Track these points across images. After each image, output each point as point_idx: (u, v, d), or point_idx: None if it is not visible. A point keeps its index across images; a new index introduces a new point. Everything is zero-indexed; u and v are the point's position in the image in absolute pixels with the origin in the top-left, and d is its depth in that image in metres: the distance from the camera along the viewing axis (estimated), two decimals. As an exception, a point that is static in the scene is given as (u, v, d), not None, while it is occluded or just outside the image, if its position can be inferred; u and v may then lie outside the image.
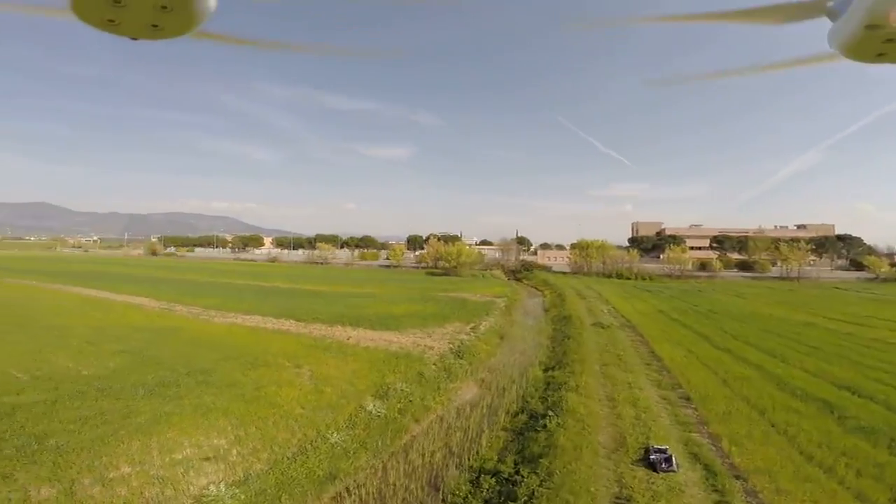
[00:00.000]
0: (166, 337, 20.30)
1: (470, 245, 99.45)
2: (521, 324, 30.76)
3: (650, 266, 77.09)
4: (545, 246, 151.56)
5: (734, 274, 77.60)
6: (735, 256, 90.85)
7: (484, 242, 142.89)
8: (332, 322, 25.12)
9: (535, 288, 58.63)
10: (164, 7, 2.52)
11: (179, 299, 35.60)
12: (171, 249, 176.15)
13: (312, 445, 10.07)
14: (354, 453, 10.09)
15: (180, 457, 9.07)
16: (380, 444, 10.79)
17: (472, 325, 26.14)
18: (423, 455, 10.71)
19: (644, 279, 67.80)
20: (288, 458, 9.49)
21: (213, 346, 18.30)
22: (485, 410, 14.10)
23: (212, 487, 8.07)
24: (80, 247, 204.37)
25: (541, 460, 9.82)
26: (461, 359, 18.77)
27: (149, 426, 10.00)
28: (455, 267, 71.32)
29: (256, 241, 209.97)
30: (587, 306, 37.02)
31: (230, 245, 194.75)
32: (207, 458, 9.10)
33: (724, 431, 11.50)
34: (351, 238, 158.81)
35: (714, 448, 10.79)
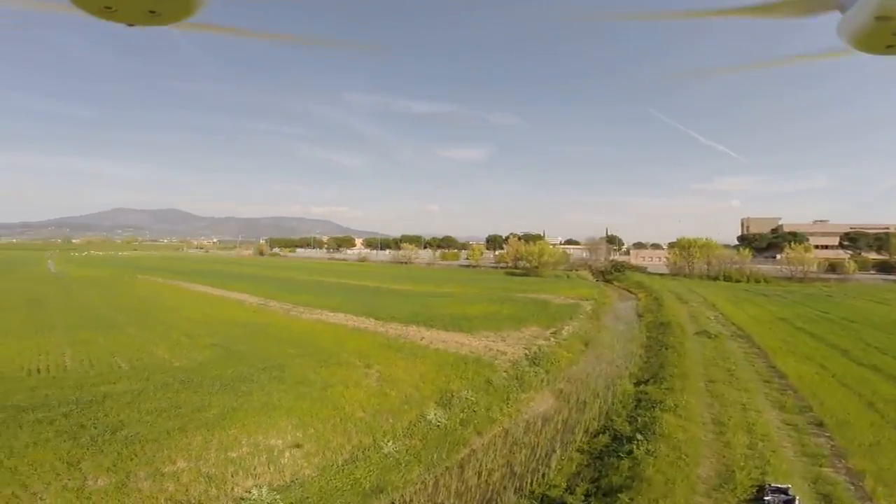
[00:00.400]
0: (256, 332, 21.61)
1: (554, 244, 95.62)
2: (610, 330, 28.18)
3: (765, 267, 67.19)
4: (639, 245, 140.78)
5: (872, 276, 64.77)
6: (873, 256, 76.11)
7: (569, 242, 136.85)
8: (407, 321, 25.06)
9: (628, 290, 54.22)
10: None
11: (275, 295, 38.42)
12: (276, 250, 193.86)
13: (365, 454, 9.58)
14: (406, 466, 9.41)
15: (235, 455, 9.10)
16: (435, 457, 9.99)
17: (553, 329, 24.41)
18: (480, 473, 9.67)
19: (758, 282, 59.23)
20: (338, 466, 9.09)
21: (295, 342, 18.99)
22: (559, 427, 12.62)
23: (254, 491, 7.91)
24: (201, 248, 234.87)
25: (620, 494, 8.26)
26: (537, 366, 17.36)
27: (215, 421, 10.25)
28: (537, 267, 68.63)
29: (348, 243, 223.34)
30: (689, 312, 32.95)
31: (326, 246, 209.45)
32: (259, 459, 9.02)
33: (869, 467, 8.98)
34: (433, 238, 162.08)
35: (853, 488, 8.42)
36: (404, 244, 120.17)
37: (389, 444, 9.96)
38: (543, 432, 12.18)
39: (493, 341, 21.06)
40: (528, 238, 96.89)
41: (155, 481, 8.11)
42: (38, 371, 14.26)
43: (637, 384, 16.35)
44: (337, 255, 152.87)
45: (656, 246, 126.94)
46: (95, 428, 9.82)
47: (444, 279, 58.89)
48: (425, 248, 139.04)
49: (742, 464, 9.28)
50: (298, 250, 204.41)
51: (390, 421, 11.14)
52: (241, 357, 16.29)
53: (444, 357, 17.15)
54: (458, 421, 11.72)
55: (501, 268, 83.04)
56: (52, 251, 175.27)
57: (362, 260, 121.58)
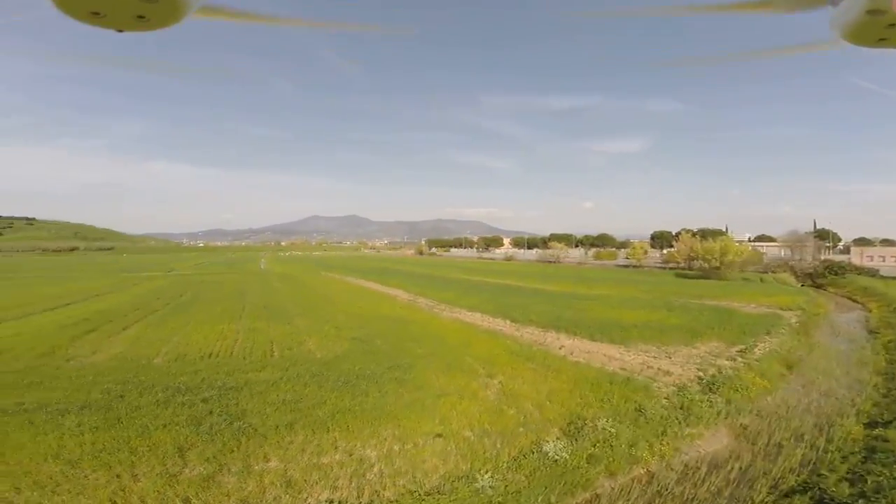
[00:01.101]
0: (397, 327, 21.77)
1: (739, 241, 79.38)
2: (827, 349, 20.80)
3: None
4: (862, 241, 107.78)
5: None
6: None
7: (760, 238, 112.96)
8: (546, 326, 22.43)
9: (850, 298, 41.04)
10: None
11: (423, 292, 39.66)
12: (433, 250, 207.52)
13: (453, 485, 7.76)
14: (499, 509, 7.31)
15: (326, 461, 8.38)
16: (541, 499, 7.60)
17: (741, 346, 18.87)
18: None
19: None
20: (418, 496, 7.50)
21: (427, 341, 18.33)
22: (733, 477, 8.96)
23: (326, 507, 6.87)
24: (374, 248, 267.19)
25: None
26: (713, 393, 13.10)
27: (322, 421, 9.81)
28: (718, 268, 57.00)
29: (497, 242, 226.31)
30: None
31: (476, 246, 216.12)
32: (345, 471, 8.06)
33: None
34: (586, 237, 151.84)
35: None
36: (552, 242, 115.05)
37: (486, 476, 7.99)
38: (707, 482, 8.73)
39: (654, 357, 17.06)
40: (706, 234, 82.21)
41: (240, 478, 7.81)
42: (210, 356, 16.20)
43: (870, 426, 11.04)
44: (485, 255, 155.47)
45: (889, 241, 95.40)
46: (220, 415, 10.18)
47: (597, 279, 53.44)
48: (576, 246, 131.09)
49: None
50: (452, 250, 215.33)
51: (498, 446, 9.12)
52: (375, 353, 16.17)
53: (583, 372, 14.23)
54: (584, 456, 9.03)
55: (670, 268, 72.34)
56: (265, 252, 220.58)
57: (508, 259, 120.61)
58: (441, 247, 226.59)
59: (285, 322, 23.49)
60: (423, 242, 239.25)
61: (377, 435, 9.32)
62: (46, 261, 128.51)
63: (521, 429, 9.98)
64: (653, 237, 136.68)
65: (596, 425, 10.28)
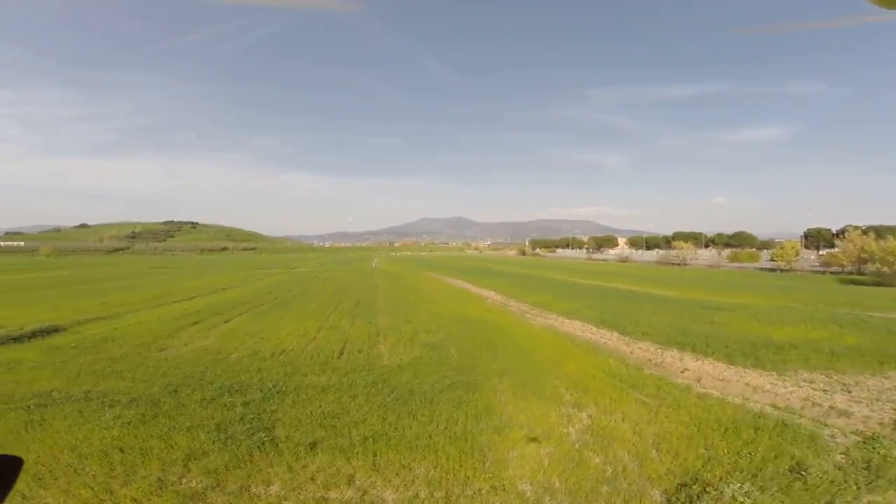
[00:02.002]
0: (477, 333, 19.50)
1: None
2: None
3: None
4: None
5: None
6: None
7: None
8: (666, 342, 18.11)
9: None
10: None
11: (516, 294, 36.76)
12: (537, 251, 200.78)
13: None
14: None
15: (332, 496, 6.53)
16: None
17: (970, 385, 12.80)
18: None
19: None
20: None
21: (508, 352, 15.71)
22: None
23: None
24: (477, 249, 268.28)
25: None
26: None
27: (350, 446, 7.98)
28: (905, 273, 44.21)
29: (610, 242, 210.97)
30: None
31: (586, 246, 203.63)
32: None
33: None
34: (718, 235, 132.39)
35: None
36: (676, 242, 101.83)
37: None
38: None
39: (824, 391, 12.16)
40: (881, 232, 64.85)
41: (231, 499, 6.46)
42: (281, 353, 15.65)
43: None
44: (596, 256, 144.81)
45: None
46: (249, 423, 9.04)
47: (734, 285, 44.85)
48: (706, 246, 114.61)
49: None
50: (558, 251, 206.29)
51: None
52: (443, 363, 14.09)
53: (713, 409, 10.30)
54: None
55: (832, 272, 58.72)
56: (380, 252, 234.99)
57: (623, 260, 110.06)
58: (546, 247, 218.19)
59: (368, 321, 22.69)
60: (526, 243, 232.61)
61: (405, 473, 7.16)
62: (202, 259, 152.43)
63: (605, 488, 6.90)
64: (806, 236, 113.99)
65: (723, 492, 6.75)
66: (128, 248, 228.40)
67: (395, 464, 7.38)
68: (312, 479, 7.00)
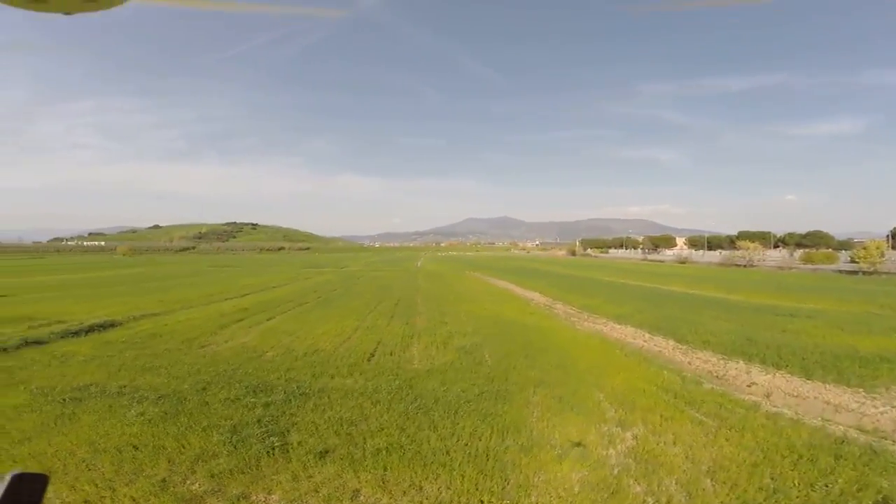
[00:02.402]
0: (516, 337, 18.47)
1: None
2: None
3: None
4: None
5: None
6: None
7: None
8: (730, 352, 16.20)
9: None
10: None
11: (563, 296, 35.09)
12: (588, 251, 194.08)
13: None
14: None
15: None
16: None
17: None
18: None
19: None
20: None
21: (548, 360, 14.59)
22: None
23: None
24: (524, 249, 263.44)
25: None
26: None
27: (362, 457, 7.33)
28: None
29: (667, 242, 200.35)
30: None
31: (641, 246, 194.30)
32: None
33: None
34: (788, 235, 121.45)
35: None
36: (742, 242, 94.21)
37: None
38: None
39: (930, 420, 10.13)
40: None
41: None
42: (314, 352, 15.48)
43: None
44: (652, 256, 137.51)
45: None
46: (267, 426, 8.69)
47: (809, 288, 40.45)
48: (776, 246, 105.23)
49: None
50: (611, 251, 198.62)
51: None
52: (475, 370, 13.25)
53: (784, 433, 8.72)
54: None
55: (929, 276, 51.58)
56: (425, 252, 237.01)
57: (682, 261, 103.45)
58: (598, 247, 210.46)
59: (405, 321, 22.27)
60: (576, 243, 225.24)
61: (413, 492, 6.44)
62: (260, 258, 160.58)
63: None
64: (893, 235, 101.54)
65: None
66: (194, 248, 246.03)
67: (405, 481, 6.68)
68: (316, 490, 6.46)
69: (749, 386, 12.53)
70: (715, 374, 13.71)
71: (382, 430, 8.48)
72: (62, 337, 17.14)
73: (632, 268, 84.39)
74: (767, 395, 11.69)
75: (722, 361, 15.11)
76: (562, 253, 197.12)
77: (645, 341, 18.52)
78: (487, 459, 7.33)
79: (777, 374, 13.52)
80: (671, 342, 18.18)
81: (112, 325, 19.98)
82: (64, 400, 10.07)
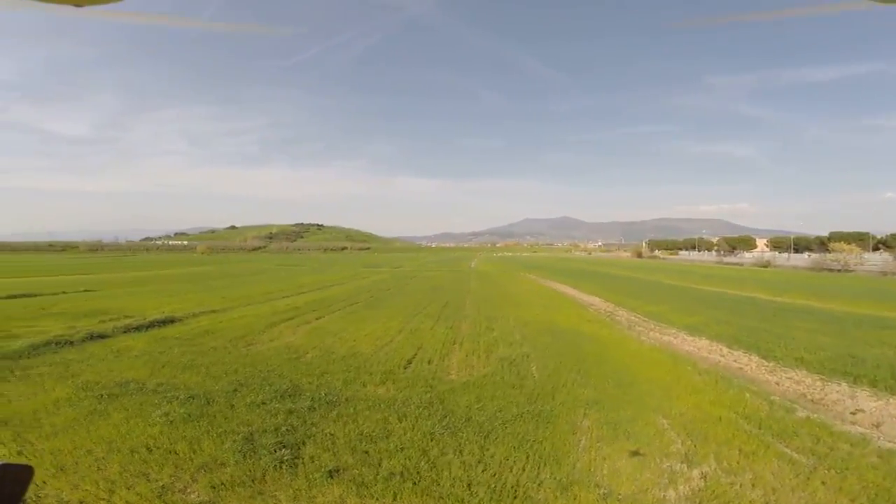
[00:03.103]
0: (569, 349, 16.88)
1: None
2: None
3: None
4: None
5: None
6: None
7: None
8: (829, 371, 13.63)
9: None
10: None
11: (626, 302, 32.51)
12: (656, 252, 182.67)
13: None
14: None
15: None
16: None
17: None
18: None
19: None
20: None
21: (604, 376, 12.98)
22: None
23: None
24: (585, 251, 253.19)
25: None
26: None
27: (372, 482, 6.48)
28: None
29: (746, 244, 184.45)
30: None
31: (716, 248, 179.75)
32: None
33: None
34: (891, 236, 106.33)
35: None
36: (835, 244, 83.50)
37: None
38: None
39: None
40: None
41: None
42: (353, 355, 15.05)
43: None
44: (728, 259, 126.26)
45: None
46: (284, 436, 8.18)
47: (926, 299, 34.41)
48: (876, 249, 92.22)
49: None
50: (682, 253, 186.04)
51: None
52: (517, 385, 11.99)
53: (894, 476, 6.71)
54: None
55: None
56: (481, 252, 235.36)
57: (764, 265, 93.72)
58: (667, 249, 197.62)
59: (449, 325, 21.38)
60: (643, 244, 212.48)
61: None
62: (324, 257, 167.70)
63: None
64: None
65: None
66: (265, 247, 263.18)
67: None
68: (318, 510, 5.73)
69: (854, 413, 10.24)
70: (810, 398, 11.42)
71: (402, 450, 7.59)
72: (125, 332, 18.09)
73: (706, 271, 77.63)
74: (877, 426, 9.43)
75: (819, 382, 12.66)
76: (626, 255, 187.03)
77: (722, 356, 16.17)
78: (515, 498, 6.15)
79: (890, 401, 11.01)
80: (755, 358, 15.71)
81: (172, 321, 20.93)
82: (102, 396, 10.23)
